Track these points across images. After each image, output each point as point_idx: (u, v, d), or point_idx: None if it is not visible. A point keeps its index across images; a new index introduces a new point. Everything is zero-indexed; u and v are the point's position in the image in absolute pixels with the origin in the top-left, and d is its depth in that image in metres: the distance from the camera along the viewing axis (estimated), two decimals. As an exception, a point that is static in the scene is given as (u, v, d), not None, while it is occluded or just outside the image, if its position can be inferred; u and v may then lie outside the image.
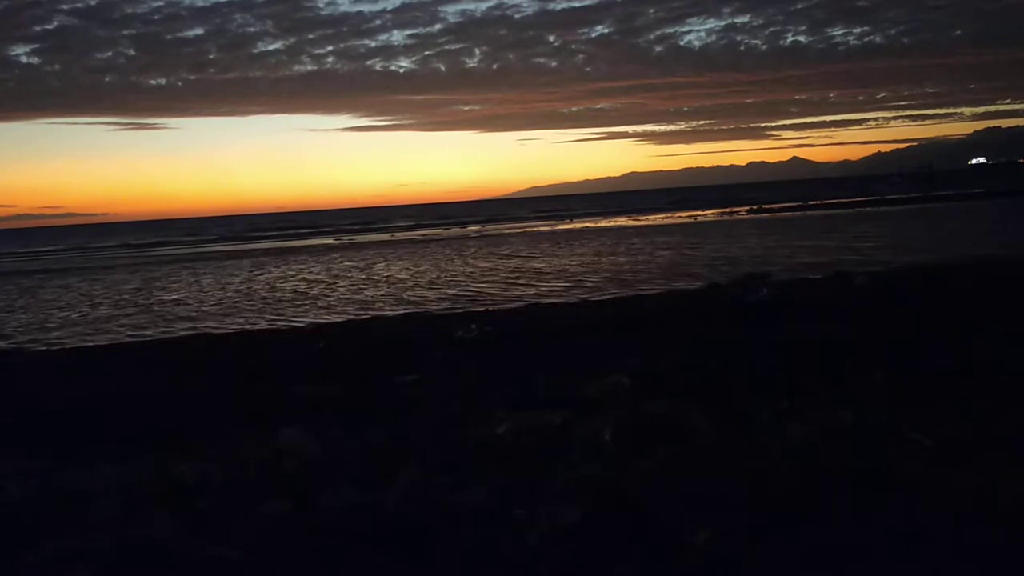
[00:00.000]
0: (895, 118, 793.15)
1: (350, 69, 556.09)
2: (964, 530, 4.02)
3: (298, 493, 5.11)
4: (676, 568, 3.93)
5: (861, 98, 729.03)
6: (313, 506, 4.94)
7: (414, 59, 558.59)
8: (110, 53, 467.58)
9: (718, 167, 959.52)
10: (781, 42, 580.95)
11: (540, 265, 29.18)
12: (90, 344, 16.54)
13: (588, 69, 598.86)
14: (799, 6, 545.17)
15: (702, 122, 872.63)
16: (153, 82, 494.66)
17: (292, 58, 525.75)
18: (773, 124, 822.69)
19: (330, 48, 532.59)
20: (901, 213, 49.99)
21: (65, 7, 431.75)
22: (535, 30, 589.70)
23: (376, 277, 28.71)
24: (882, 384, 6.95)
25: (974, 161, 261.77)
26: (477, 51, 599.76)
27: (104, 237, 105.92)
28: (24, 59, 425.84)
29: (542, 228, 62.97)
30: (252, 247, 60.36)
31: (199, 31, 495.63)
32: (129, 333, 18.39)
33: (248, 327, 17.79)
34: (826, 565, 3.86)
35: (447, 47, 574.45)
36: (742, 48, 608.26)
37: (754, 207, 73.12)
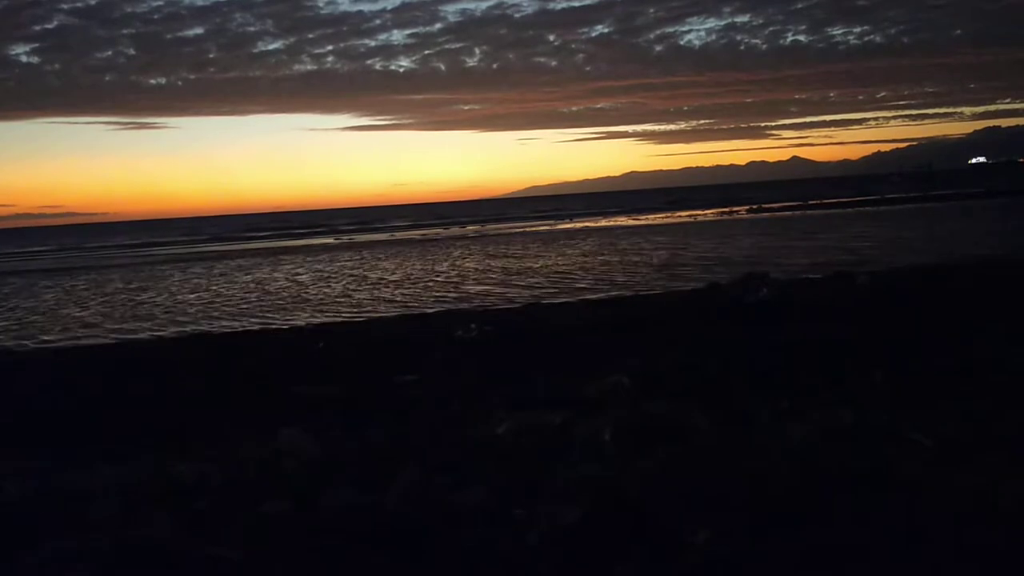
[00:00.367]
0: (895, 118, 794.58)
1: (350, 68, 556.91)
2: (964, 530, 4.01)
3: (298, 493, 5.10)
4: (676, 568, 3.93)
5: (861, 98, 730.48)
6: (313, 506, 4.93)
7: (414, 58, 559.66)
8: (110, 52, 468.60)
9: (718, 167, 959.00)
10: (781, 41, 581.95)
11: (538, 265, 29.17)
12: (88, 344, 16.54)
13: (588, 68, 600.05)
14: (799, 5, 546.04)
15: (702, 121, 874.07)
16: (153, 81, 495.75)
17: (292, 57, 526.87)
18: (773, 124, 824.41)
19: (330, 47, 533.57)
20: (901, 212, 49.99)
21: (65, 6, 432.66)
22: (535, 29, 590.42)
23: (375, 277, 28.69)
24: (882, 384, 6.94)
25: (974, 160, 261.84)
26: (477, 50, 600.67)
27: (103, 237, 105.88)
28: (24, 58, 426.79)
29: (542, 228, 62.98)
30: (250, 247, 60.36)
31: (199, 30, 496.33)
32: (128, 333, 18.38)
33: (247, 327, 17.79)
34: (826, 565, 3.85)
35: (447, 46, 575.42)
36: (742, 48, 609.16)
37: (754, 207, 73.12)
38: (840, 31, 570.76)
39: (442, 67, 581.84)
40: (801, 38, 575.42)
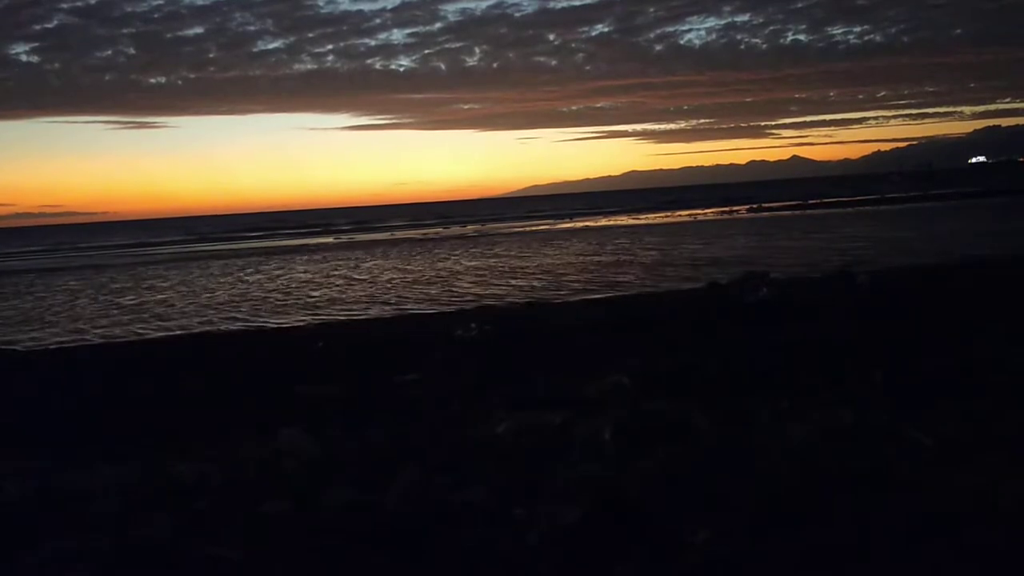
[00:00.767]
0: (895, 117, 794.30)
1: (350, 68, 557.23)
2: (964, 530, 4.01)
3: (298, 493, 5.10)
4: (676, 568, 3.93)
5: (861, 97, 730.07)
6: (313, 506, 4.93)
7: (414, 58, 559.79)
8: (110, 52, 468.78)
9: (718, 166, 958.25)
10: (781, 41, 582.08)
11: (538, 264, 29.17)
12: (87, 343, 16.54)
13: (588, 68, 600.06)
14: (799, 5, 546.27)
15: (702, 121, 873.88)
16: (153, 81, 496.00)
17: (292, 57, 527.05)
18: (773, 123, 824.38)
19: (330, 47, 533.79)
20: (901, 212, 49.99)
21: (65, 6, 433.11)
22: (535, 29, 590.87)
23: (375, 276, 28.70)
24: (882, 384, 6.94)
25: (974, 160, 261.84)
26: (477, 50, 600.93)
27: (103, 236, 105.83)
28: (24, 58, 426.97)
29: (541, 227, 62.97)
30: (250, 246, 60.36)
31: (199, 30, 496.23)
32: (128, 333, 18.38)
33: (247, 327, 17.79)
34: (826, 565, 3.85)
35: (447, 46, 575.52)
36: (742, 47, 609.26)
37: (754, 206, 73.11)
38: (840, 30, 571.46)
39: (442, 66, 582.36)
40: (801, 37, 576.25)
